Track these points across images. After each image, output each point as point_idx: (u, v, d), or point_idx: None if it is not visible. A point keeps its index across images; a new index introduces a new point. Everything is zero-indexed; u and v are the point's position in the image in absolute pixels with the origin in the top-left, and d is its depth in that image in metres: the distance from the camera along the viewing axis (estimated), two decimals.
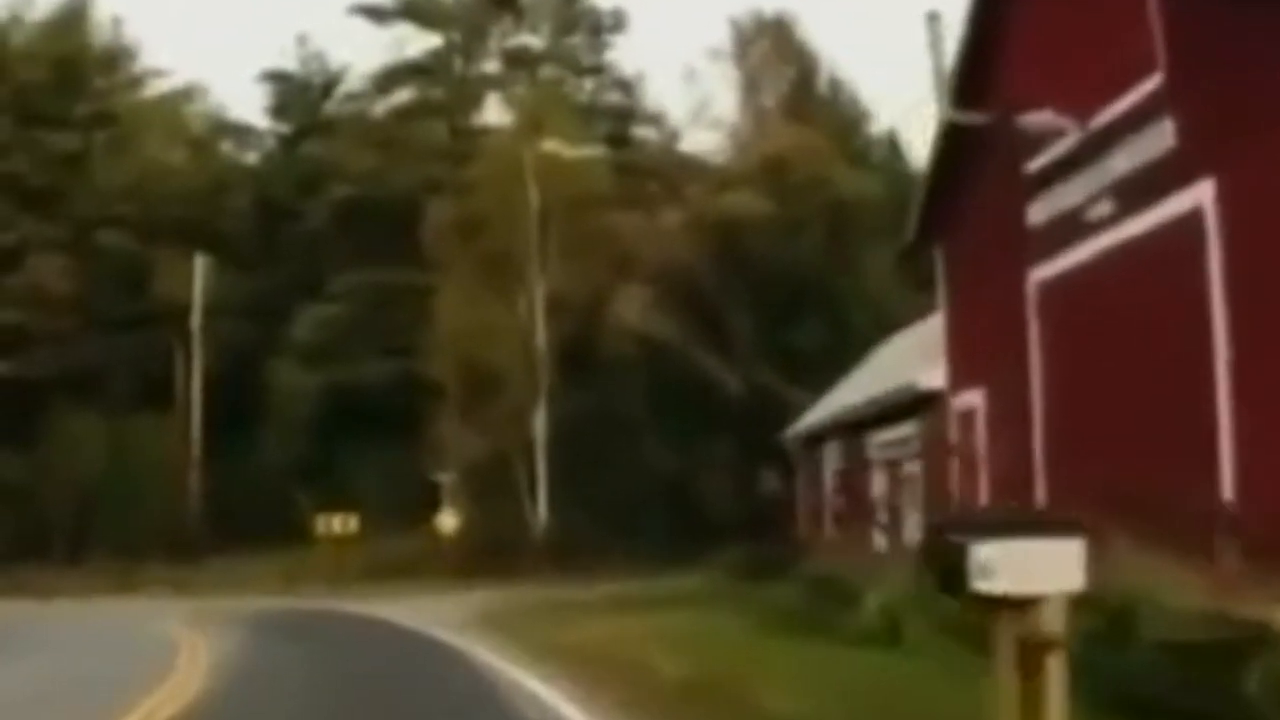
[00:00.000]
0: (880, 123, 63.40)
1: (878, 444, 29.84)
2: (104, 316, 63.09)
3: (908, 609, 16.72)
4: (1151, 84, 16.79)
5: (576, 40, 66.15)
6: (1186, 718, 10.02)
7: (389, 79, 66.31)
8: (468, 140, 61.33)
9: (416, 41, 65.67)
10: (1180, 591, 11.45)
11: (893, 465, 26.87)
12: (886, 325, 46.49)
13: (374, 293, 59.82)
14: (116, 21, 71.87)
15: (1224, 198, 15.34)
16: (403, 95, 66.08)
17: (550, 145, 50.21)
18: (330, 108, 71.08)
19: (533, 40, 65.50)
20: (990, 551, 6.32)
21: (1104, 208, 18.22)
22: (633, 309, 49.12)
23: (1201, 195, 15.69)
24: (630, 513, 49.45)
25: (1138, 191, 17.22)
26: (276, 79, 71.65)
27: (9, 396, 60.21)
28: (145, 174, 68.73)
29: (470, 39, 65.91)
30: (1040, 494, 19.74)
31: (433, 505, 48.85)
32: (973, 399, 23.23)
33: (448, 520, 47.48)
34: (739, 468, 49.17)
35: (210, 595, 44.26)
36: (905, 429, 27.86)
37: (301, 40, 74.06)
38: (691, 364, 49.24)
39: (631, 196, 53.43)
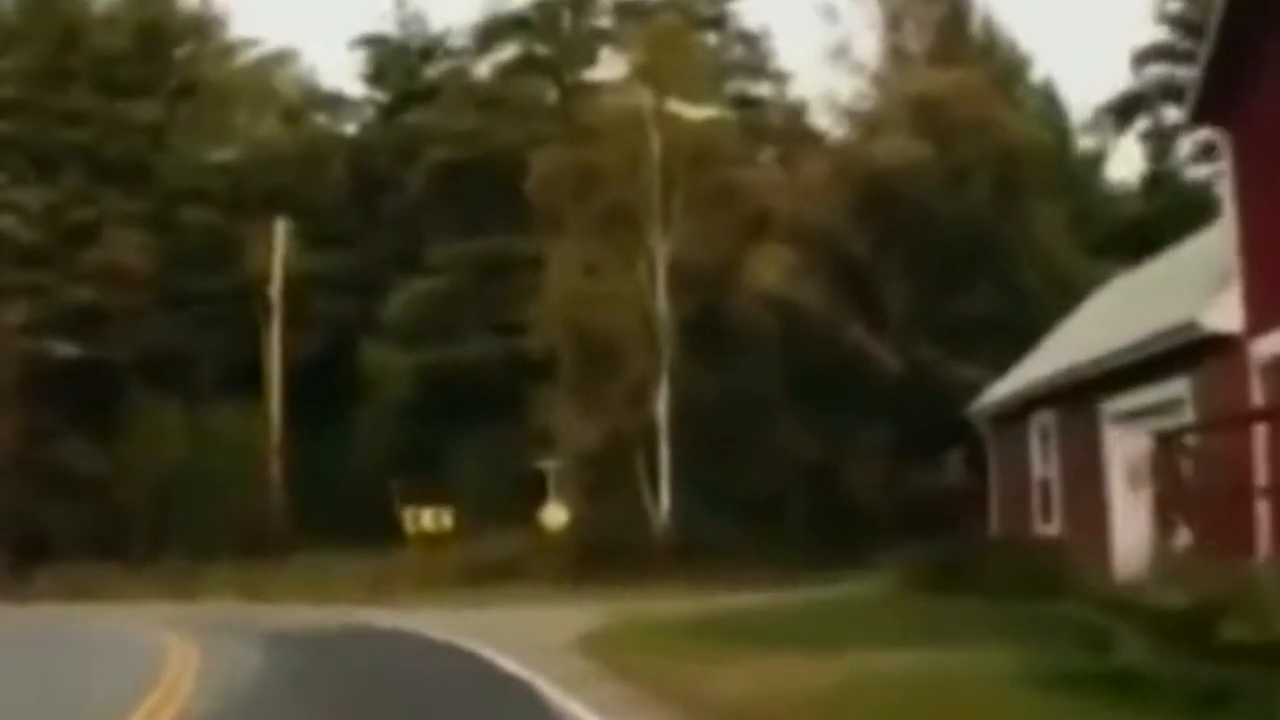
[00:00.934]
0: (1038, 70, 55.48)
1: (1120, 412, 21.70)
2: (186, 296, 56.67)
3: None
4: None
5: None
6: None
7: (491, 35, 58.98)
8: (578, 97, 53.76)
9: None
10: None
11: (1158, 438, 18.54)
12: (1063, 291, 38.41)
13: (476, 264, 52.51)
14: None
15: None
16: (507, 52, 58.67)
17: (672, 100, 42.32)
18: (430, 73, 63.86)
19: None
20: None
21: None
22: (769, 273, 41.12)
23: None
24: (766, 507, 41.58)
25: None
26: (372, 44, 64.94)
27: (84, 381, 54.07)
28: (232, 146, 62.77)
29: None
30: None
31: (538, 498, 41.13)
32: None
33: (556, 515, 39.64)
34: (893, 455, 41.01)
35: (281, 602, 37.07)
36: (1170, 389, 19.73)
37: (399, 2, 68.19)
38: (837, 335, 41.15)
39: (764, 147, 45.38)
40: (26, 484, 51.35)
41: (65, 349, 54.32)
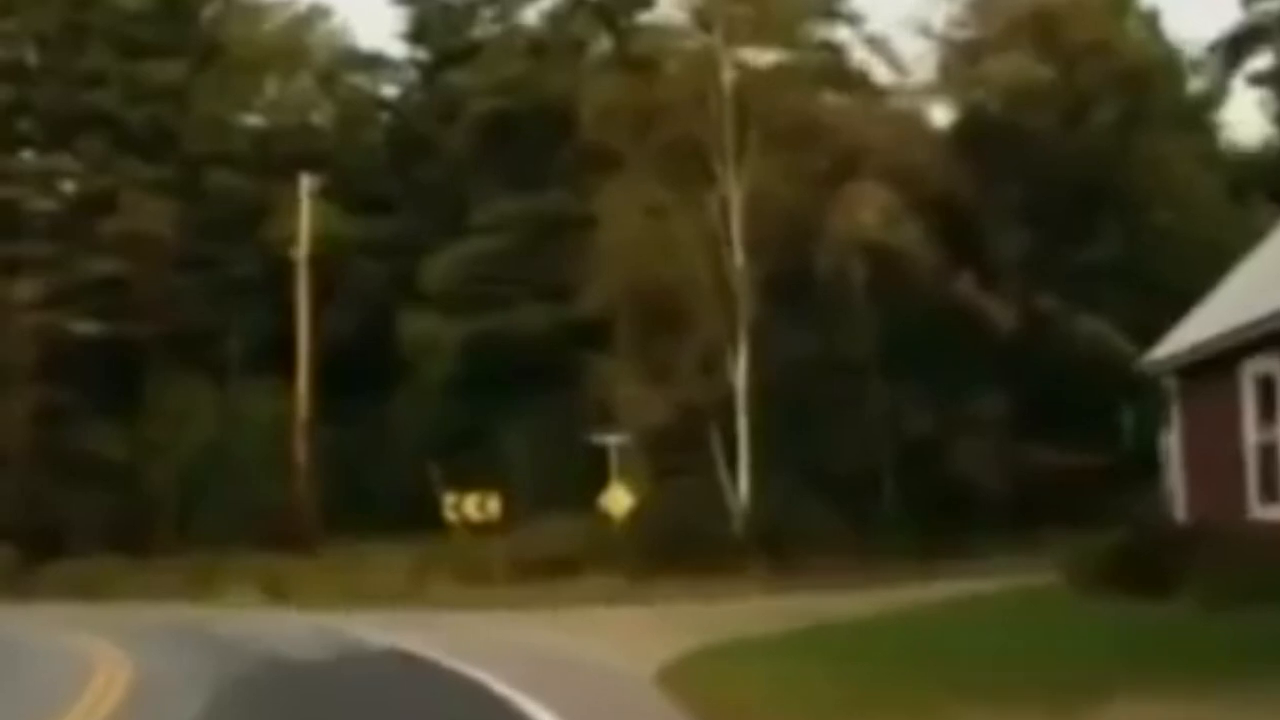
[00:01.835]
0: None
1: None
2: (214, 268, 50.43)
3: None
4: None
5: None
6: None
7: None
8: (634, 41, 47.09)
9: None
10: None
11: None
12: (1200, 234, 31.77)
13: (525, 224, 46.14)
14: None
15: None
16: None
17: (740, 45, 35.79)
18: (475, 31, 57.29)
19: None
20: None
21: None
22: (862, 216, 34.37)
23: None
24: (859, 489, 35.05)
25: None
26: (413, 1, 58.06)
27: (106, 360, 48.15)
28: (262, 109, 56.57)
29: None
30: None
31: (598, 481, 34.56)
32: None
33: (620, 499, 32.83)
34: (1008, 426, 34.32)
35: (303, 601, 30.70)
36: None
37: None
38: (941, 288, 34.47)
39: (853, 77, 38.62)
40: (41, 471, 45.52)
41: (84, 326, 48.35)
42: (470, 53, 55.16)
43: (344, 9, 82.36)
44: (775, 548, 32.89)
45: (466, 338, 45.20)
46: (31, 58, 52.24)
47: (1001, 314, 34.43)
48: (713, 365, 34.63)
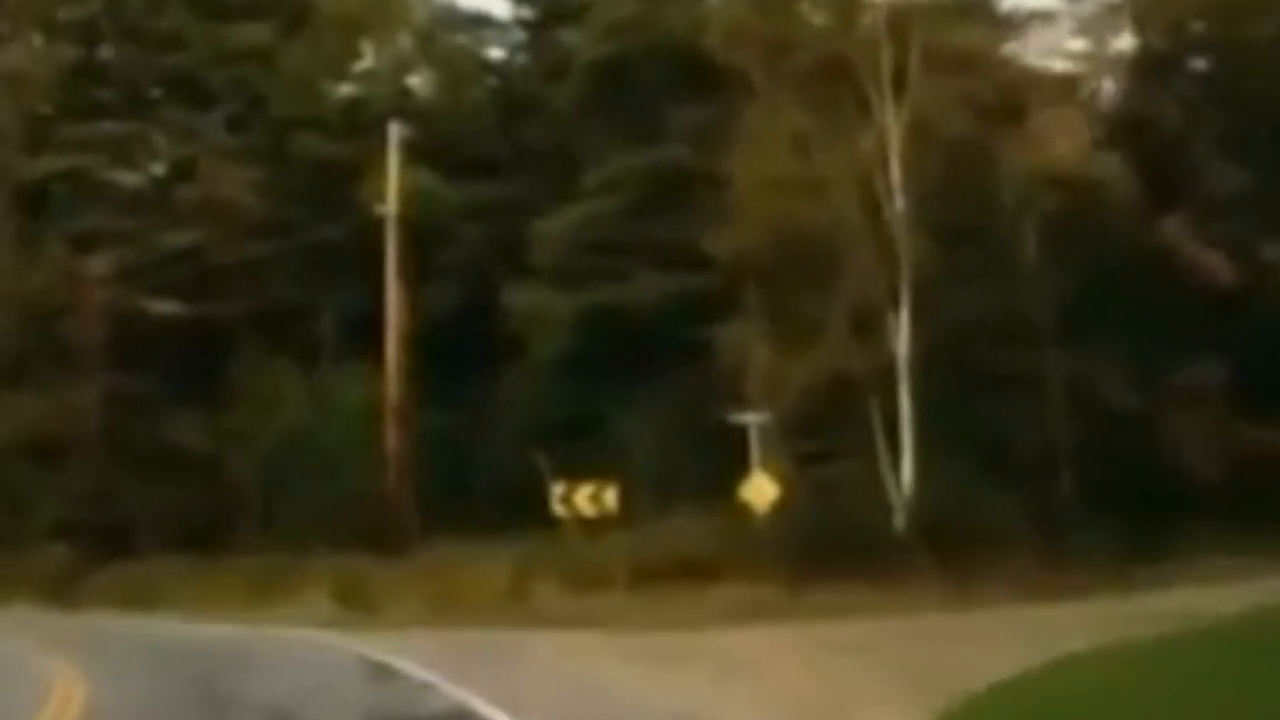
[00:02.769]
0: None
1: None
2: (303, 240, 45.28)
3: None
4: None
5: None
6: None
7: None
8: None
9: None
10: None
11: None
12: None
13: (642, 181, 40.55)
14: None
15: None
16: None
17: None
18: None
19: None
20: None
21: None
22: (1054, 147, 28.20)
23: None
24: (1042, 475, 29.02)
25: None
26: None
27: (185, 343, 43.46)
28: (354, 72, 51.45)
29: None
30: None
31: (731, 467, 28.78)
32: None
33: (763, 489, 26.79)
34: (1225, 399, 28.13)
35: (382, 611, 25.34)
36: None
37: None
38: (1145, 234, 28.23)
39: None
40: (110, 463, 40.83)
41: (162, 304, 43.65)
42: (580, 10, 49.95)
43: None
44: (944, 547, 26.91)
45: (580, 311, 39.71)
46: (103, 19, 47.67)
47: (1217, 265, 28.19)
48: (868, 328, 28.72)
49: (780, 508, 26.81)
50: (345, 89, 51.72)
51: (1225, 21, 28.94)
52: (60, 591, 34.53)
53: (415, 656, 17.14)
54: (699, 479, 30.57)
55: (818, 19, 29.73)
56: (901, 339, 28.66)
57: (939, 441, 28.62)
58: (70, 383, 41.47)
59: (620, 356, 37.90)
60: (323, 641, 18.34)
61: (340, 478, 38.09)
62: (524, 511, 31.55)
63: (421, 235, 41.83)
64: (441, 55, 52.77)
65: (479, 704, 13.16)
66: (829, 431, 29.01)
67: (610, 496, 27.46)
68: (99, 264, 43.28)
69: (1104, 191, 27.75)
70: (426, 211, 41.77)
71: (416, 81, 52.43)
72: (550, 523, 29.91)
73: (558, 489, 27.87)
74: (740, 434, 29.92)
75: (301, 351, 42.68)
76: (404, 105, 47.40)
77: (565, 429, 36.23)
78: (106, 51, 47.85)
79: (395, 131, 37.51)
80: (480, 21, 55.17)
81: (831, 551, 26.34)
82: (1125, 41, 30.59)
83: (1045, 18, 34.42)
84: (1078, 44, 31.70)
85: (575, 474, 29.65)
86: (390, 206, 36.65)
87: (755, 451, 26.66)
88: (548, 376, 39.40)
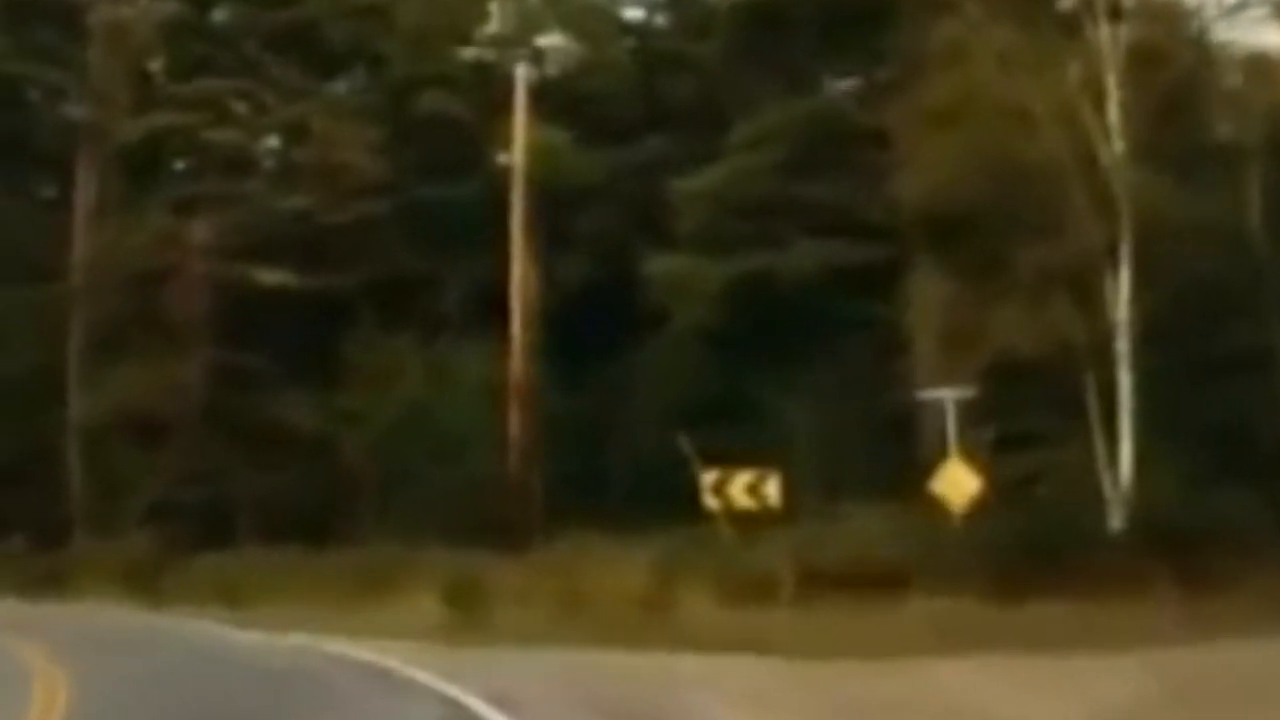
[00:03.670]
0: None
1: None
2: (424, 206, 41.65)
3: None
4: None
5: None
6: None
7: None
8: None
9: None
10: None
11: None
12: None
13: (797, 134, 36.08)
14: None
15: None
16: None
17: None
18: None
19: None
20: None
21: None
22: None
23: None
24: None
25: None
26: None
27: (296, 315, 39.99)
28: (482, 29, 47.68)
29: None
30: None
31: (910, 455, 23.98)
32: None
33: (960, 481, 21.86)
34: None
35: (496, 618, 21.05)
36: None
37: None
38: None
39: None
40: (215, 444, 37.26)
41: (271, 274, 40.03)
42: None
43: None
44: (1172, 553, 21.95)
45: (727, 280, 35.25)
46: None
47: None
48: (1081, 291, 23.81)
49: (980, 504, 21.98)
50: (471, 52, 47.98)
51: None
52: (146, 582, 30.90)
53: (535, 697, 12.76)
54: (869, 469, 25.99)
55: None
56: (1121, 304, 23.69)
57: (1164, 426, 23.67)
58: (173, 356, 38.14)
59: (773, 331, 33.69)
60: (414, 684, 13.95)
61: (460, 463, 34.59)
62: (664, 504, 27.36)
63: (552, 202, 37.97)
64: (574, 15, 48.80)
65: None
66: (1030, 413, 24.20)
67: (773, 487, 22.82)
68: (204, 230, 39.89)
69: None
70: (557, 175, 37.86)
71: (548, 42, 48.48)
72: (696, 518, 25.44)
73: (709, 477, 23.30)
74: (912, 418, 25.28)
75: (421, 325, 38.96)
76: (534, 65, 43.59)
77: (711, 412, 32.00)
78: (215, 6, 44.29)
79: (522, 75, 33.22)
80: None
81: (1037, 557, 21.58)
82: None
83: None
84: None
85: (724, 462, 25.12)
86: (516, 157, 32.45)
87: (952, 436, 21.80)
88: (691, 353, 35.20)
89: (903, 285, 28.67)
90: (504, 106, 38.59)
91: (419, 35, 45.14)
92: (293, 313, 40.19)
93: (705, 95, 41.04)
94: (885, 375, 27.87)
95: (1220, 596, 20.46)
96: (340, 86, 44.44)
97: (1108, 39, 24.28)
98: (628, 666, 15.98)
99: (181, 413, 37.13)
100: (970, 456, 22.07)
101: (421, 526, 31.13)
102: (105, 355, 38.69)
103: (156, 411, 37.02)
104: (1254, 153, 25.49)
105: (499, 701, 11.96)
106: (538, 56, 45.97)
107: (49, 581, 33.94)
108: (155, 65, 43.25)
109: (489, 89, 42.49)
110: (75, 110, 41.80)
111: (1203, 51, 24.82)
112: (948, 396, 21.78)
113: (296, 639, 20.60)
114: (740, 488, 22.91)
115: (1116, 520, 23.62)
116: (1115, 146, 23.96)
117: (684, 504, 26.09)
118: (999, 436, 24.45)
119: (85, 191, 40.38)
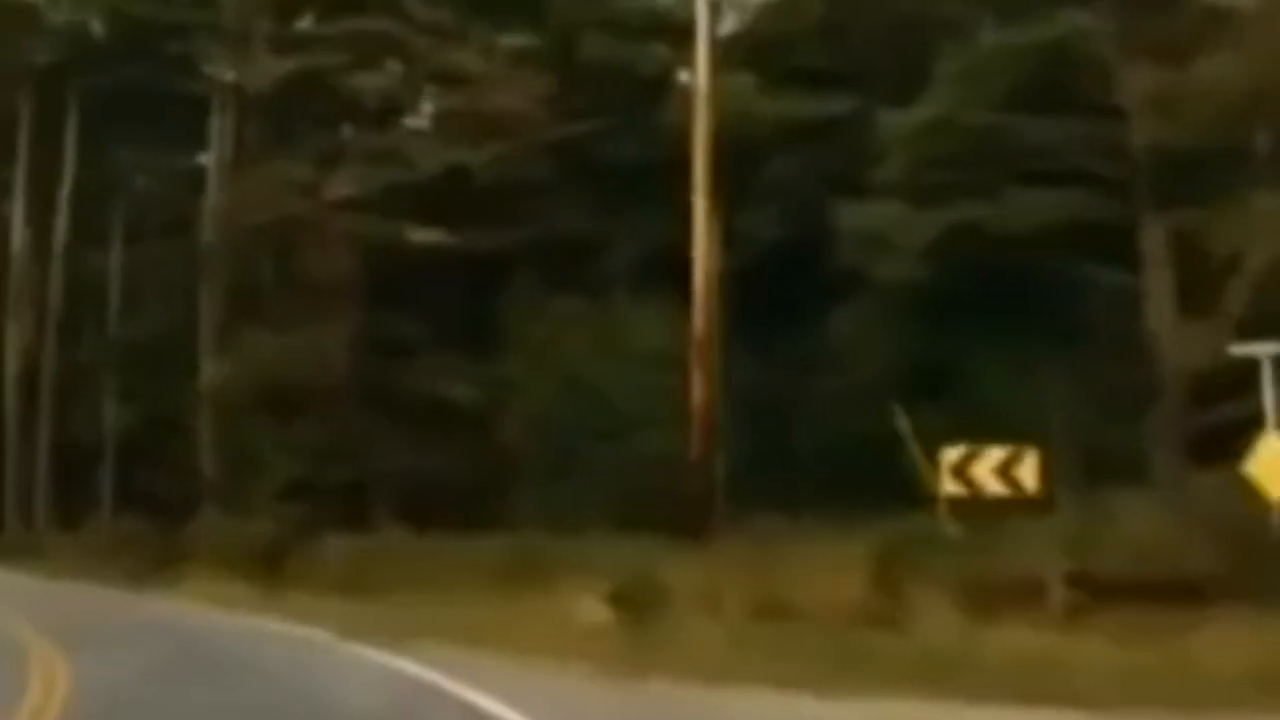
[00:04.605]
0: None
1: None
2: (593, 159, 38.08)
3: None
4: None
5: None
6: None
7: None
8: None
9: None
10: None
11: None
12: None
13: (1010, 66, 31.06)
14: None
15: None
16: None
17: None
18: None
19: None
20: None
21: None
22: None
23: None
24: None
25: None
26: None
27: (450, 278, 37.10)
28: None
29: None
30: None
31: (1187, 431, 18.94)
32: None
33: None
34: None
35: (679, 638, 16.60)
36: None
37: None
38: None
39: None
40: (361, 417, 33.99)
41: (423, 233, 36.71)
42: None
43: None
44: None
45: (935, 234, 30.62)
46: None
47: None
48: None
49: None
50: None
51: None
52: (267, 568, 27.48)
53: None
54: (1127, 451, 21.09)
55: None
56: None
57: None
58: (314, 321, 35.11)
59: (988, 292, 29.03)
60: None
61: (631, 441, 31.15)
62: (866, 490, 23.06)
63: (736, 154, 33.86)
64: None
65: None
66: None
67: (1029, 469, 17.98)
68: (347, 185, 36.46)
69: None
70: (742, 125, 33.66)
71: None
72: (913, 504, 20.81)
73: (952, 455, 18.51)
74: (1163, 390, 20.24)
75: (587, 289, 35.87)
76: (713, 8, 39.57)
77: (919, 383, 27.52)
78: None
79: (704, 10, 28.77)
80: None
81: None
82: None
83: None
84: None
85: (950, 434, 20.40)
86: (700, 76, 27.94)
87: (1268, 403, 16.72)
88: (895, 318, 30.67)
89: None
90: (682, 48, 34.77)
91: None
92: (446, 275, 37.60)
93: (910, 29, 36.55)
94: (1119, 341, 23.05)
95: None
96: (497, 30, 40.81)
97: None
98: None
99: (322, 383, 34.22)
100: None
101: (584, 512, 28.09)
102: (240, 319, 35.72)
103: (295, 381, 34.13)
104: None
105: None
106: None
107: (161, 564, 31.01)
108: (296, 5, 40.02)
109: (666, 32, 38.80)
110: (209, 52, 38.72)
111: None
112: (1266, 353, 16.74)
113: (416, 657, 16.24)
114: (989, 469, 18.12)
115: None
116: None
117: (897, 488, 21.61)
118: None
119: (220, 140, 37.24)
